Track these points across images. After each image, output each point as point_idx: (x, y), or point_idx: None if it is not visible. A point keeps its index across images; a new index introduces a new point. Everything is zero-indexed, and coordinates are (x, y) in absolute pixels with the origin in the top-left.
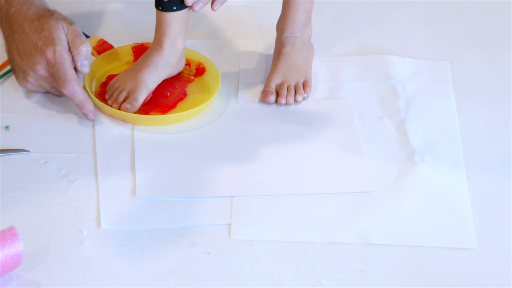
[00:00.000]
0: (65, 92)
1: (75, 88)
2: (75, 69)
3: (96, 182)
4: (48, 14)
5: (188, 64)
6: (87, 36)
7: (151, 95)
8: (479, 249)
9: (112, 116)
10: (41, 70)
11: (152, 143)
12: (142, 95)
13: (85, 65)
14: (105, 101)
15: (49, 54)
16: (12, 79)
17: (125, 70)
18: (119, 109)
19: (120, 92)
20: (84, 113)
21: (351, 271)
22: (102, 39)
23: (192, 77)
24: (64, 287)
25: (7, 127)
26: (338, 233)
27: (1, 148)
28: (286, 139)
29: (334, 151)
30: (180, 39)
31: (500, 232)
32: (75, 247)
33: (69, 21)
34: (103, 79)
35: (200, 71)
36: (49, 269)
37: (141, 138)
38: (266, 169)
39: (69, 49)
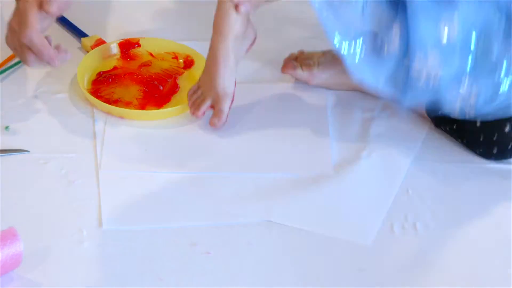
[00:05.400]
0: (24, 40)
1: (32, 35)
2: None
3: (97, 182)
4: None
5: (175, 57)
6: (85, 35)
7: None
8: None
9: (108, 113)
10: (13, 21)
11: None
12: (227, 105)
13: (50, 4)
14: (99, 98)
15: (21, 3)
16: (12, 78)
17: (202, 72)
18: (210, 124)
19: (203, 101)
20: (46, 62)
21: (351, 270)
22: (100, 38)
23: (181, 70)
24: (64, 287)
25: (7, 127)
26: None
27: (1, 148)
28: (254, 120)
29: (301, 134)
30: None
31: None
32: (75, 247)
33: None
34: (94, 76)
35: (188, 63)
36: (49, 269)
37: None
38: (227, 149)
39: None
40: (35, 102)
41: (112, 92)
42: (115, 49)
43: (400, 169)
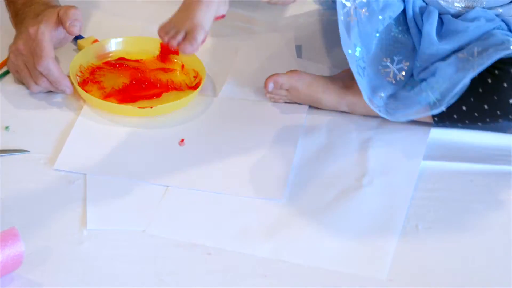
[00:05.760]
0: (41, 69)
1: (50, 65)
2: (66, 30)
3: (84, 182)
4: (52, 5)
5: (196, 76)
6: (81, 37)
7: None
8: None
9: (98, 108)
10: (21, 45)
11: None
12: (200, 36)
13: (74, 25)
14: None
15: (32, 30)
16: (12, 78)
17: (177, 11)
18: (177, 47)
19: (177, 32)
20: (61, 90)
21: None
22: (96, 40)
23: (185, 87)
24: (65, 287)
25: (7, 127)
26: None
27: (1, 148)
28: (226, 136)
29: (266, 155)
30: None
31: None
32: (75, 247)
33: (68, 6)
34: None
35: (197, 85)
36: (49, 269)
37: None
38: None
39: (60, 15)
40: (35, 102)
41: (104, 74)
42: (113, 47)
43: (404, 195)
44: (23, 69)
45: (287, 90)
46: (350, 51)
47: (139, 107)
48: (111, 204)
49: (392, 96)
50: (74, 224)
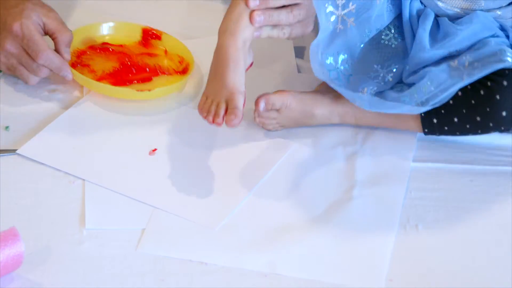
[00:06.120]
0: (41, 62)
1: (50, 56)
2: (60, 54)
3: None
4: None
5: (181, 61)
6: None
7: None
8: None
9: (95, 90)
10: (8, 45)
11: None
12: (241, 102)
13: (67, 52)
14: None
15: (16, 27)
16: (12, 78)
17: (207, 82)
18: (228, 123)
19: (218, 105)
20: (62, 75)
21: None
22: None
23: (172, 72)
24: (65, 287)
25: (7, 127)
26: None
27: (1, 148)
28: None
29: (223, 183)
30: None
31: None
32: (75, 247)
33: (48, 8)
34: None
35: (184, 70)
36: (49, 270)
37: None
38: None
39: (53, 34)
40: (36, 102)
41: (91, 58)
42: (106, 30)
43: (395, 203)
44: (17, 66)
45: (277, 110)
46: (328, 61)
47: (138, 90)
48: (110, 204)
49: (380, 94)
50: (74, 224)
